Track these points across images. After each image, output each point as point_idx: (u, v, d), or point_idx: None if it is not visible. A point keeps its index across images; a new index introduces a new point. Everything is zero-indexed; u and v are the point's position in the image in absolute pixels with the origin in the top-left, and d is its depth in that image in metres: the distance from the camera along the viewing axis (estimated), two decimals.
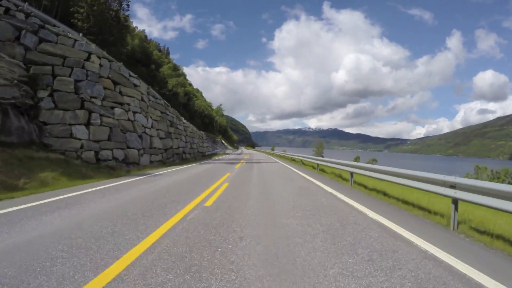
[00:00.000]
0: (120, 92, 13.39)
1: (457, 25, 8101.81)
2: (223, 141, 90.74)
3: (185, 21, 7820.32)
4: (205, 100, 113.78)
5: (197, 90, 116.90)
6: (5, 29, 9.57)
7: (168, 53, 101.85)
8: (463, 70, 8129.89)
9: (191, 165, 16.40)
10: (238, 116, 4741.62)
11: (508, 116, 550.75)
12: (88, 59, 11.84)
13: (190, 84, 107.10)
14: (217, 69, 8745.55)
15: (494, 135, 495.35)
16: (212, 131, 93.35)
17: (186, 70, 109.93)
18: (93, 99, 11.48)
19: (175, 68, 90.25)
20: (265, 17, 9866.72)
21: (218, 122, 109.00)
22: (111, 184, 7.44)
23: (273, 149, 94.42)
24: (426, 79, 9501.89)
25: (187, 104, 78.19)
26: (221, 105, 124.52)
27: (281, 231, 3.58)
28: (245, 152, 60.99)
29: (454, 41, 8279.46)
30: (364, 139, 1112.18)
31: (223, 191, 6.60)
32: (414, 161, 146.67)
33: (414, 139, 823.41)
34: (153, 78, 59.18)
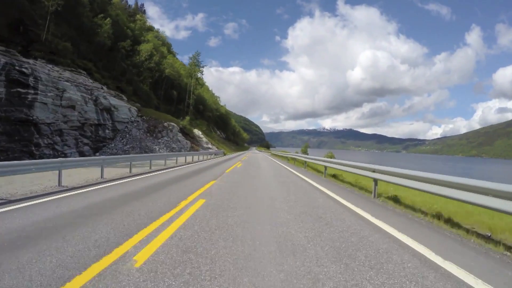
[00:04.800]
0: None
1: (476, 20, 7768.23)
2: (199, 134, 48.44)
3: (197, 20, 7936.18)
4: (182, 64, 71.91)
5: (184, 67, 70.49)
6: None
7: (143, 12, 76.12)
8: (483, 67, 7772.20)
9: None
10: (252, 116, 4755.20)
11: None
12: None
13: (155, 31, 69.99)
14: (231, 69, 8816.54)
15: None
16: (183, 112, 56.38)
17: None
18: None
19: (149, 29, 66.05)
20: (279, 12, 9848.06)
21: (193, 93, 63.77)
22: None
23: (305, 151, 62.00)
24: (444, 76, 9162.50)
25: (112, 48, 44.65)
26: (198, 53, 66.65)
27: None
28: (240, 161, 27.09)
29: (474, 36, 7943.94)
30: (380, 140, 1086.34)
31: None
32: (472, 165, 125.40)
33: (432, 139, 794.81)
34: None
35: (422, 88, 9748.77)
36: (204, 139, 48.42)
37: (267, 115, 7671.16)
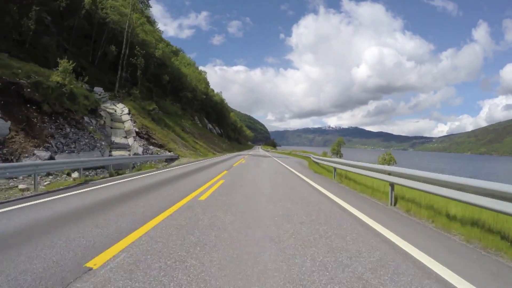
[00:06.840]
0: None
1: (483, 16, 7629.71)
2: (120, 114, 23.39)
3: (200, 19, 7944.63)
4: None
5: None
6: None
7: None
8: (490, 63, 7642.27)
9: None
10: (256, 115, 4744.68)
11: None
12: None
13: None
14: (235, 68, 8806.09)
15: None
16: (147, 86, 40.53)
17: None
18: None
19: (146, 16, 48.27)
20: (283, 9, 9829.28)
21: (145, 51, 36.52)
22: None
23: (338, 151, 45.42)
24: (451, 73, 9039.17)
25: None
26: None
27: None
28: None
29: (481, 32, 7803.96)
30: (386, 138, 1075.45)
31: None
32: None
33: (439, 137, 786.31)
34: None
35: (429, 85, 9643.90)
36: (127, 126, 22.57)
37: (272, 113, 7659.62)
